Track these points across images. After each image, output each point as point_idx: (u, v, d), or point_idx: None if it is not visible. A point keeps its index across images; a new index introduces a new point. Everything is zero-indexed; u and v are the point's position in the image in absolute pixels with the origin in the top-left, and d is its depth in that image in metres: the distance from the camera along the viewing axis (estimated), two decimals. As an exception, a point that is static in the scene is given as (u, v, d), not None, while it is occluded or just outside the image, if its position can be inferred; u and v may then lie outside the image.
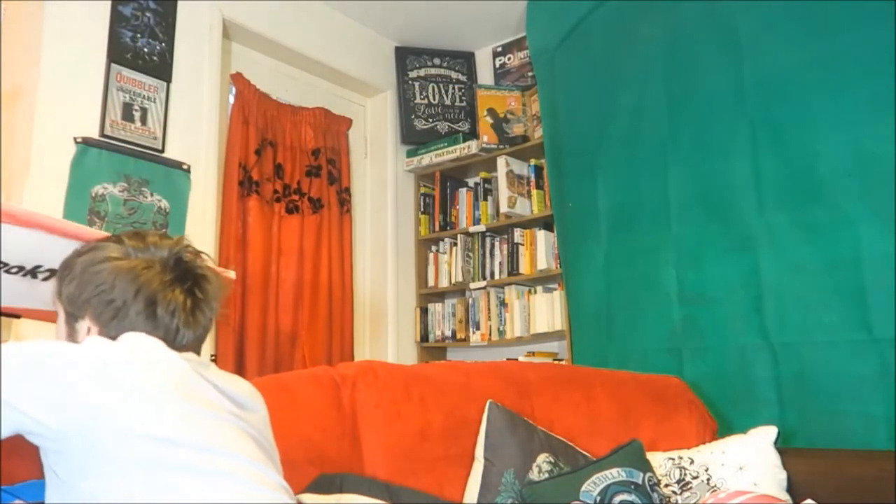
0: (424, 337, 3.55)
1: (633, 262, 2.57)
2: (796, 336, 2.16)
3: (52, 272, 1.08)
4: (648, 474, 1.66)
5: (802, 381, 2.14)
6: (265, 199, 3.05)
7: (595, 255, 2.70)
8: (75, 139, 2.29)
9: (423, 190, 3.69)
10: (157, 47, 2.56)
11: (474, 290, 3.42)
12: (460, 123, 3.72)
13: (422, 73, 3.74)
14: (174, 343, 0.98)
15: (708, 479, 1.77)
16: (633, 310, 2.56)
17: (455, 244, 3.52)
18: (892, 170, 2.02)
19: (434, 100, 3.73)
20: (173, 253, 1.01)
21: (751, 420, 1.98)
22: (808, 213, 2.16)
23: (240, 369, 2.82)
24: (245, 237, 2.96)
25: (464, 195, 3.58)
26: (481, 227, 3.42)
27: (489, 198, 3.49)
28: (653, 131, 2.55)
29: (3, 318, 1.26)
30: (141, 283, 0.96)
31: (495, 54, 3.75)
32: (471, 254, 3.47)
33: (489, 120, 3.45)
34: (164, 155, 2.53)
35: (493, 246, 3.39)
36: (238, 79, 3.04)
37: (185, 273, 1.01)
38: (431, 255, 3.63)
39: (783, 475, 1.80)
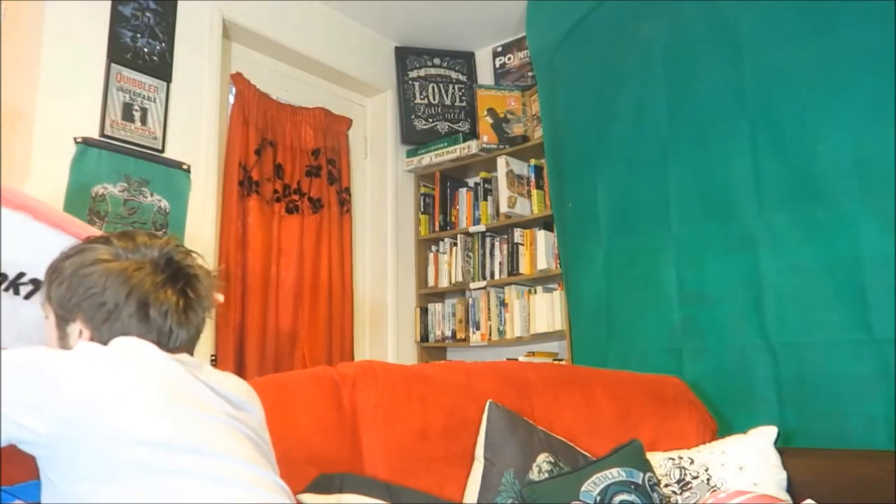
0: (424, 337, 3.55)
1: (633, 262, 2.57)
2: (796, 336, 2.16)
3: (36, 284, 1.05)
4: (648, 474, 1.66)
5: (802, 381, 2.14)
6: (265, 199, 3.05)
7: (595, 255, 2.70)
8: (75, 139, 2.30)
9: (423, 190, 3.69)
10: (157, 47, 2.56)
11: (474, 290, 3.42)
12: (460, 123, 3.72)
13: (422, 73, 3.74)
14: (168, 344, 0.97)
15: (708, 479, 1.77)
16: (633, 310, 2.56)
17: (455, 244, 3.52)
18: (892, 170, 2.02)
19: (434, 100, 3.73)
20: (164, 253, 1.00)
21: (751, 420, 1.98)
22: (808, 213, 2.16)
23: (240, 369, 2.82)
24: (245, 237, 2.96)
25: (464, 195, 3.58)
26: (481, 227, 3.42)
27: (489, 198, 3.49)
28: (653, 131, 2.54)
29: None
30: (133, 285, 0.95)
31: (495, 54, 3.75)
32: (471, 254, 3.47)
33: (489, 120, 3.45)
34: (164, 155, 2.53)
35: (493, 246, 3.39)
36: (238, 79, 3.04)
37: (177, 273, 1.00)
38: (431, 255, 3.63)
39: (783, 475, 1.79)
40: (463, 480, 1.62)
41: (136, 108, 2.47)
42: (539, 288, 3.22)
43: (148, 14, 2.55)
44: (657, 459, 1.83)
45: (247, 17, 2.96)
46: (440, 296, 3.61)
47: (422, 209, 3.67)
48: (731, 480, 1.75)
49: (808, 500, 1.59)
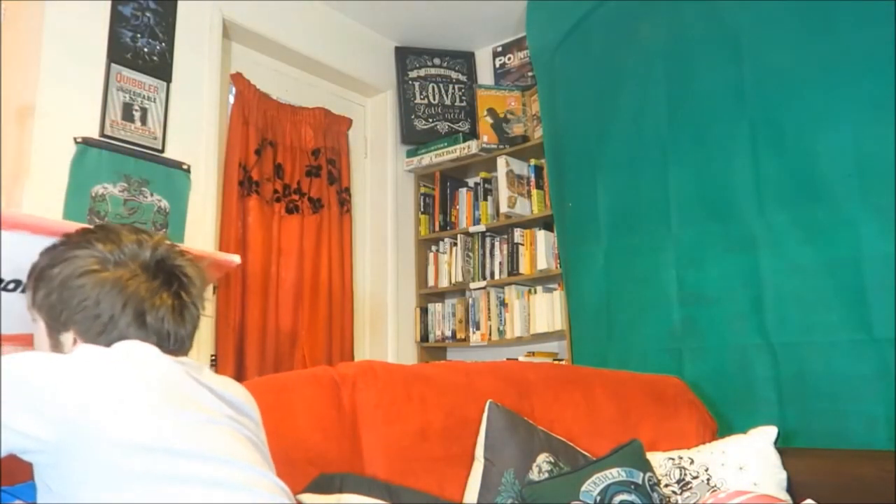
0: (424, 337, 3.54)
1: (633, 262, 2.57)
2: (796, 336, 2.16)
3: (17, 283, 1.03)
4: (648, 474, 1.66)
5: (802, 381, 2.14)
6: (265, 199, 3.05)
7: (595, 255, 2.70)
8: (75, 139, 2.29)
9: (423, 190, 3.69)
10: (157, 47, 2.56)
11: (474, 290, 3.42)
12: (460, 123, 3.72)
13: (422, 73, 3.74)
14: (167, 345, 0.96)
15: (708, 479, 1.77)
16: (633, 310, 2.56)
17: (455, 244, 3.52)
18: (892, 170, 2.02)
19: (434, 100, 3.73)
20: (155, 256, 0.98)
21: (751, 420, 1.98)
22: (808, 213, 2.16)
23: (240, 369, 2.82)
24: (245, 237, 2.96)
25: (464, 195, 3.58)
26: (481, 227, 3.42)
27: (489, 198, 3.49)
28: (653, 131, 2.55)
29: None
30: (128, 295, 0.94)
31: (495, 54, 3.75)
32: (471, 254, 3.47)
33: (489, 120, 3.45)
34: (164, 155, 2.53)
35: (493, 246, 3.39)
36: (238, 79, 3.04)
37: (170, 276, 0.99)
38: (431, 255, 3.63)
39: (783, 475, 1.80)
40: (463, 480, 1.62)
41: (136, 108, 2.47)
42: (539, 288, 3.22)
43: (148, 14, 2.55)
44: (657, 459, 1.83)
45: (247, 17, 2.96)
46: (440, 296, 3.60)
47: (422, 209, 3.67)
48: (731, 480, 1.75)
49: (808, 500, 1.59)
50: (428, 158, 3.60)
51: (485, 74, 3.80)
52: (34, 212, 1.89)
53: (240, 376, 2.78)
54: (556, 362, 3.12)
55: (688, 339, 2.40)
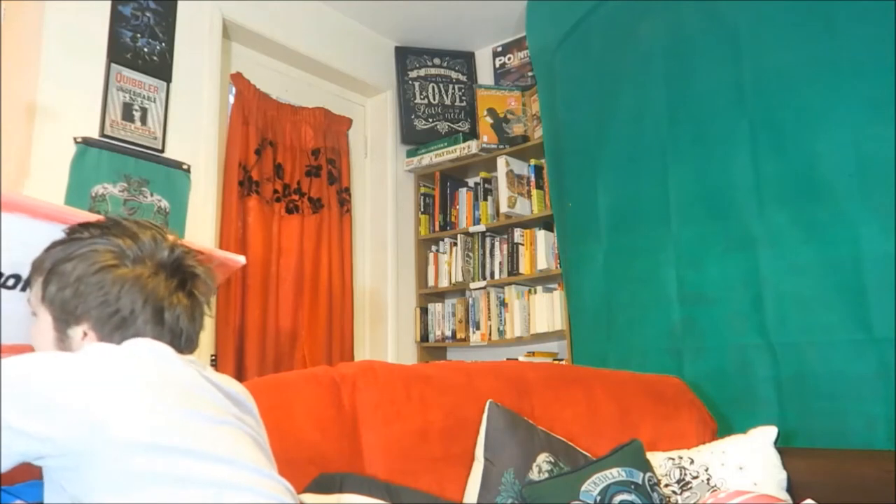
0: (424, 337, 3.55)
1: (633, 262, 2.57)
2: (796, 336, 2.16)
3: (17, 278, 1.02)
4: (648, 474, 1.66)
5: (802, 381, 2.14)
6: (265, 198, 3.05)
7: (595, 255, 2.70)
8: (75, 139, 2.30)
9: (423, 190, 3.69)
10: (157, 47, 2.56)
11: (474, 290, 3.42)
12: (460, 123, 3.72)
13: (422, 72, 3.74)
14: (179, 345, 0.97)
15: (708, 479, 1.77)
16: (633, 310, 2.56)
17: (455, 244, 3.52)
18: (892, 170, 2.02)
19: (434, 100, 3.73)
20: (172, 256, 0.99)
21: (751, 420, 1.98)
22: (808, 213, 2.16)
23: (240, 369, 2.82)
24: (245, 237, 2.96)
25: (464, 195, 3.58)
26: (481, 227, 3.42)
27: (489, 198, 3.49)
28: (653, 131, 2.54)
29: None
30: (148, 293, 0.94)
31: (495, 54, 3.75)
32: (471, 254, 3.47)
33: (489, 120, 3.45)
34: (164, 155, 2.53)
35: (493, 246, 3.39)
36: (238, 79, 3.04)
37: (186, 276, 1.00)
38: (431, 255, 3.63)
39: (783, 475, 1.79)
40: (463, 480, 1.62)
41: (136, 108, 2.47)
42: (539, 288, 3.22)
43: (148, 14, 2.55)
44: (657, 459, 1.83)
45: (247, 17, 2.96)
46: (440, 296, 3.61)
47: (422, 209, 3.67)
48: (731, 480, 1.75)
49: (808, 500, 1.59)
50: (428, 158, 3.60)
51: (485, 74, 3.80)
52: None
53: (240, 376, 2.78)
54: (556, 362, 3.12)
55: (688, 339, 2.39)
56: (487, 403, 1.70)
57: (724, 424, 2.13)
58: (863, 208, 2.06)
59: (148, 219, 2.38)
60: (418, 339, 3.55)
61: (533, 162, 3.33)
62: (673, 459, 1.84)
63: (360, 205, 3.58)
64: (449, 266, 3.53)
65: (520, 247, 3.27)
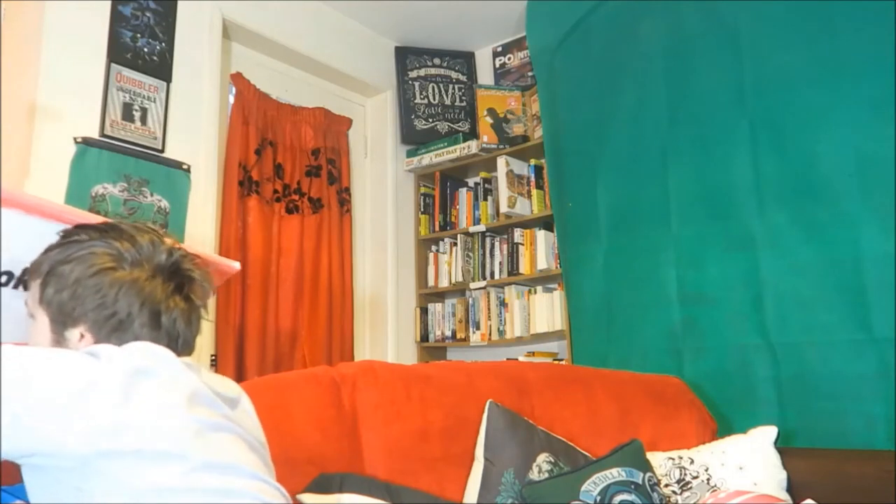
0: (424, 337, 3.55)
1: (633, 262, 2.57)
2: (796, 336, 2.16)
3: (9, 275, 1.01)
4: (648, 474, 1.66)
5: (802, 381, 2.14)
6: (265, 198, 3.05)
7: (595, 255, 2.70)
8: (75, 139, 2.30)
9: (423, 190, 3.69)
10: (157, 47, 2.56)
11: (474, 290, 3.42)
12: (460, 123, 3.72)
13: (422, 72, 3.74)
14: (175, 347, 0.97)
15: (708, 479, 1.77)
16: (633, 310, 2.56)
17: (455, 244, 3.52)
18: (893, 170, 2.02)
19: (434, 100, 3.73)
20: (172, 260, 0.99)
21: (751, 420, 1.98)
22: (808, 213, 2.16)
23: (240, 369, 2.82)
24: (245, 237, 2.96)
25: (464, 195, 3.58)
26: (481, 227, 3.42)
27: (489, 198, 3.49)
28: (653, 131, 2.55)
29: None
30: (146, 296, 0.94)
31: (495, 54, 3.75)
32: (471, 254, 3.47)
33: (489, 120, 3.45)
34: (164, 155, 2.53)
35: (493, 246, 3.39)
36: (238, 79, 3.04)
37: (183, 280, 1.00)
38: (431, 255, 3.63)
39: (783, 475, 1.80)
40: (463, 480, 1.62)
41: (136, 108, 2.47)
42: (539, 288, 3.22)
43: (148, 14, 2.55)
44: (657, 459, 1.83)
45: (247, 17, 2.96)
46: (440, 296, 3.60)
47: (422, 209, 3.67)
48: (731, 480, 1.75)
49: (808, 500, 1.59)
50: (428, 158, 3.60)
51: (485, 74, 3.80)
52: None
53: (240, 376, 2.78)
54: (556, 362, 3.12)
55: (688, 339, 2.40)
56: (487, 403, 1.70)
57: (724, 424, 2.13)
58: (863, 208, 2.06)
59: (148, 219, 2.41)
60: (418, 339, 3.55)
61: (533, 162, 3.33)
62: (673, 459, 1.84)
63: (360, 205, 3.58)
64: (449, 266, 3.53)
65: (520, 247, 3.27)
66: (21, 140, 2.22)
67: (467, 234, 3.49)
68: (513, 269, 3.27)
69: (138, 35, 2.51)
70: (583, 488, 1.58)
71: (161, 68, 2.56)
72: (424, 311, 3.57)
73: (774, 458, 1.81)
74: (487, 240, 3.42)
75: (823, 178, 2.14)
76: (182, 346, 0.99)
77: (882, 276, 2.01)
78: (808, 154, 2.18)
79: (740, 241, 2.29)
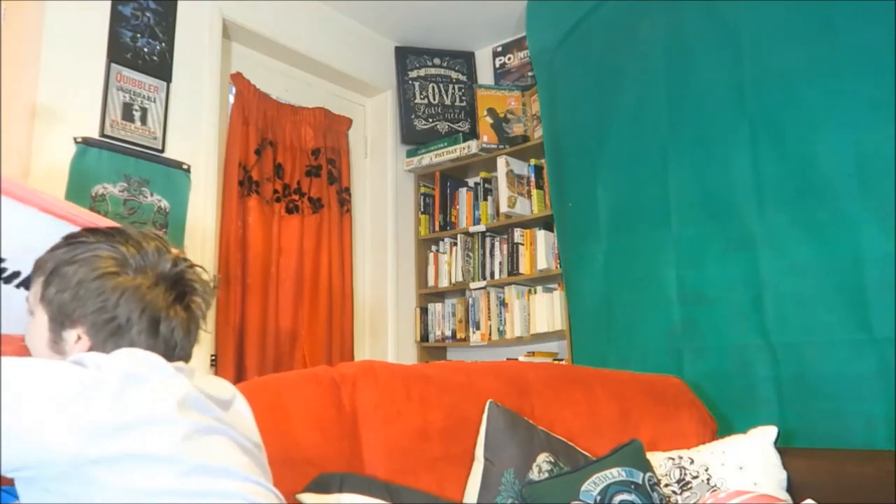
0: (424, 337, 3.55)
1: (633, 262, 2.57)
2: (796, 336, 2.16)
3: (16, 274, 1.02)
4: (648, 474, 1.66)
5: (802, 381, 2.14)
6: (265, 198, 3.05)
7: (595, 255, 2.70)
8: (75, 139, 2.30)
9: (423, 190, 3.69)
10: (157, 47, 2.56)
11: (474, 289, 3.42)
12: (460, 123, 3.72)
13: (422, 72, 3.74)
14: (172, 355, 0.97)
15: (708, 479, 1.77)
16: (633, 310, 2.56)
17: (455, 244, 3.52)
18: (893, 170, 2.02)
19: (434, 100, 3.73)
20: (176, 269, 0.99)
21: (751, 420, 1.98)
22: (808, 213, 2.16)
23: (240, 369, 2.82)
24: (245, 237, 2.96)
25: (464, 195, 3.58)
26: (481, 227, 3.42)
27: (489, 198, 3.49)
28: (653, 131, 2.55)
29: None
30: (147, 303, 0.94)
31: (495, 54, 3.75)
32: (471, 254, 3.47)
33: (489, 120, 3.45)
34: (164, 155, 2.53)
35: (493, 246, 3.39)
36: (238, 79, 3.04)
37: (185, 290, 1.00)
38: (431, 255, 3.63)
39: (783, 475, 1.80)
40: (463, 480, 1.62)
41: (136, 107, 2.47)
42: (539, 288, 3.22)
43: (148, 14, 2.55)
44: (657, 459, 1.83)
45: (247, 17, 2.96)
46: (440, 296, 3.60)
47: (422, 209, 3.67)
48: (731, 480, 1.75)
49: (808, 500, 1.59)
50: (428, 158, 3.60)
51: (485, 74, 3.80)
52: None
53: (240, 376, 2.78)
54: (556, 362, 3.12)
55: (688, 339, 2.40)
56: (487, 403, 1.70)
57: (724, 424, 2.13)
58: (863, 208, 2.06)
59: (148, 219, 2.41)
60: (418, 338, 3.55)
61: (533, 162, 3.33)
62: (673, 459, 1.84)
63: (360, 205, 3.58)
64: (449, 266, 3.53)
65: (520, 247, 3.27)
66: (21, 140, 2.22)
67: (467, 234, 3.49)
68: (513, 269, 3.27)
69: (138, 35, 2.51)
70: (583, 488, 1.58)
71: (161, 68, 2.56)
72: (424, 311, 3.57)
73: (774, 458, 1.81)
74: (487, 240, 3.42)
75: (823, 178, 2.14)
76: (179, 355, 0.99)
77: (882, 276, 2.01)
78: (808, 154, 2.18)
79: (740, 241, 2.29)
